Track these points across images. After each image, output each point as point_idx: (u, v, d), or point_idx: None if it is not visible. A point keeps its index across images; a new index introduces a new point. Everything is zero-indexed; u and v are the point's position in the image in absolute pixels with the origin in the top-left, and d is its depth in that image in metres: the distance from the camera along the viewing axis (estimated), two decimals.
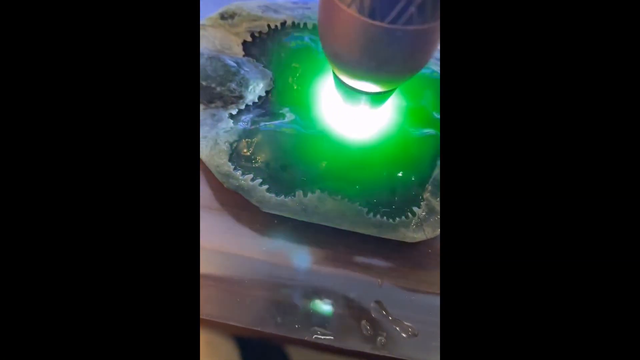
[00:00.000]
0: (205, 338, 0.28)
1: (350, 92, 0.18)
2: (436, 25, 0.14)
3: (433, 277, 0.23)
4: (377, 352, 0.22)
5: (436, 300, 0.23)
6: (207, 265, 0.22)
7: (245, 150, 0.22)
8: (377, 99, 0.19)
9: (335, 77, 0.18)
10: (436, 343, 0.22)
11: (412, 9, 0.13)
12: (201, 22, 0.26)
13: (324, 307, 0.22)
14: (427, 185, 0.22)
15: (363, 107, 0.19)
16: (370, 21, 0.13)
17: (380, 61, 0.15)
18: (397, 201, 0.22)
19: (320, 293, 0.22)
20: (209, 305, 0.22)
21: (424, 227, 0.22)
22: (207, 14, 0.26)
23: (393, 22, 0.13)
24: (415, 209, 0.22)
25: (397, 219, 0.22)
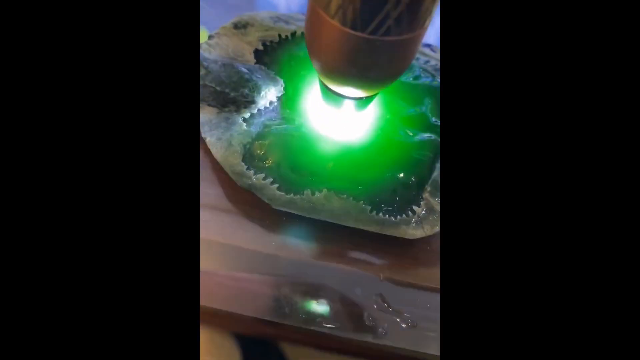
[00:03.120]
0: (207, 335, 0.30)
1: (334, 97, 0.20)
2: (412, 35, 0.15)
3: (431, 273, 0.25)
4: (378, 342, 0.23)
5: (434, 294, 0.24)
6: (220, 259, 0.24)
7: (257, 152, 0.24)
8: (359, 103, 0.20)
9: (321, 82, 0.20)
10: (433, 334, 0.24)
11: (390, 22, 0.14)
12: (215, 31, 0.28)
13: (328, 299, 0.24)
14: (426, 186, 0.24)
15: (346, 111, 0.21)
16: (352, 32, 0.15)
17: (360, 68, 0.16)
18: (398, 200, 0.23)
19: (325, 286, 0.24)
20: (218, 298, 0.23)
21: (423, 224, 0.23)
22: (221, 23, 0.28)
23: (372, 33, 0.15)
24: (415, 207, 0.24)
25: (399, 217, 0.23)
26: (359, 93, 0.19)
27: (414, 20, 0.15)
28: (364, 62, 0.16)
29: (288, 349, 0.31)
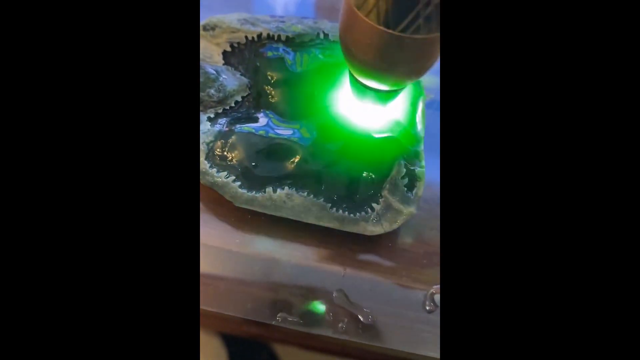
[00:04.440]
0: None
1: (363, 89, 0.21)
2: (439, 36, 0.16)
3: (392, 269, 0.25)
4: (337, 336, 0.24)
5: (395, 290, 0.25)
6: None
7: (220, 150, 0.24)
8: (385, 96, 0.21)
9: (351, 75, 0.21)
10: (392, 329, 0.24)
11: (420, 21, 0.16)
12: None
13: (291, 294, 0.24)
14: (385, 184, 0.24)
15: (372, 104, 0.22)
16: (384, 29, 0.16)
17: (391, 63, 0.18)
18: (357, 198, 0.24)
19: (287, 282, 0.24)
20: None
21: (382, 221, 0.24)
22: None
23: (403, 30, 0.16)
24: (374, 205, 0.24)
25: (358, 214, 0.24)
26: (386, 87, 0.20)
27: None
28: (394, 57, 0.17)
29: (281, 350, 0.32)
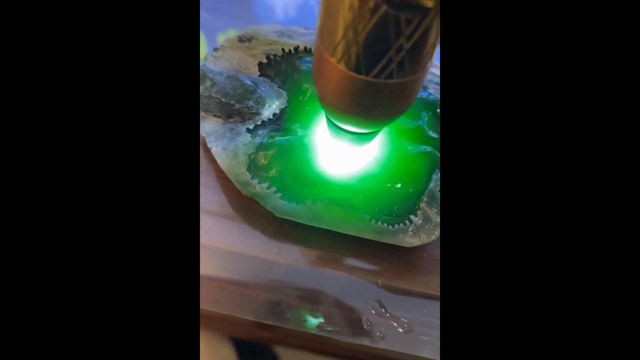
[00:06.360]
0: (204, 338, 0.30)
1: (340, 132, 0.21)
2: (414, 78, 0.16)
3: (427, 279, 0.26)
4: (375, 345, 0.24)
5: (430, 300, 0.25)
6: (222, 265, 0.25)
7: (261, 162, 0.25)
8: (363, 138, 0.21)
9: (328, 118, 0.21)
10: (428, 338, 0.25)
11: (393, 66, 0.15)
12: (220, 44, 0.29)
13: (326, 304, 0.25)
14: (423, 197, 0.25)
15: (351, 145, 0.22)
16: (356, 75, 0.16)
17: (365, 108, 0.17)
18: (396, 210, 0.25)
19: (325, 291, 0.25)
20: (220, 303, 0.24)
21: (419, 233, 0.24)
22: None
23: (376, 76, 0.16)
24: (412, 217, 0.25)
25: (396, 225, 0.24)
26: (363, 129, 0.20)
27: (416, 64, 0.16)
28: (368, 102, 0.17)
29: (284, 353, 0.32)
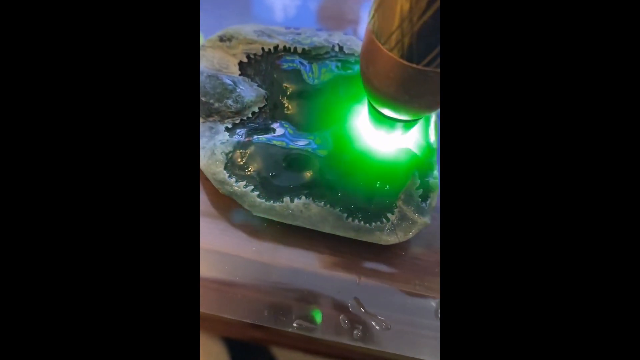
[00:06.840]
0: None
1: (382, 119, 0.22)
2: None
3: (406, 277, 0.26)
4: (353, 343, 0.24)
5: (408, 298, 0.25)
6: (203, 264, 0.25)
7: (239, 160, 0.25)
8: (403, 126, 0.22)
9: (371, 106, 0.22)
10: (407, 336, 0.25)
11: None
12: (201, 44, 0.29)
13: (307, 302, 0.25)
14: (400, 195, 0.25)
15: (394, 132, 0.23)
16: (408, 64, 0.16)
17: (413, 95, 0.18)
18: (373, 208, 0.25)
19: (303, 289, 0.25)
20: (204, 302, 0.24)
21: (396, 231, 0.24)
22: (207, 36, 0.29)
23: (427, 65, 0.16)
24: (389, 215, 0.25)
25: (373, 223, 0.24)
26: (405, 116, 0.21)
27: None
28: (417, 90, 0.18)
29: (280, 353, 0.32)
